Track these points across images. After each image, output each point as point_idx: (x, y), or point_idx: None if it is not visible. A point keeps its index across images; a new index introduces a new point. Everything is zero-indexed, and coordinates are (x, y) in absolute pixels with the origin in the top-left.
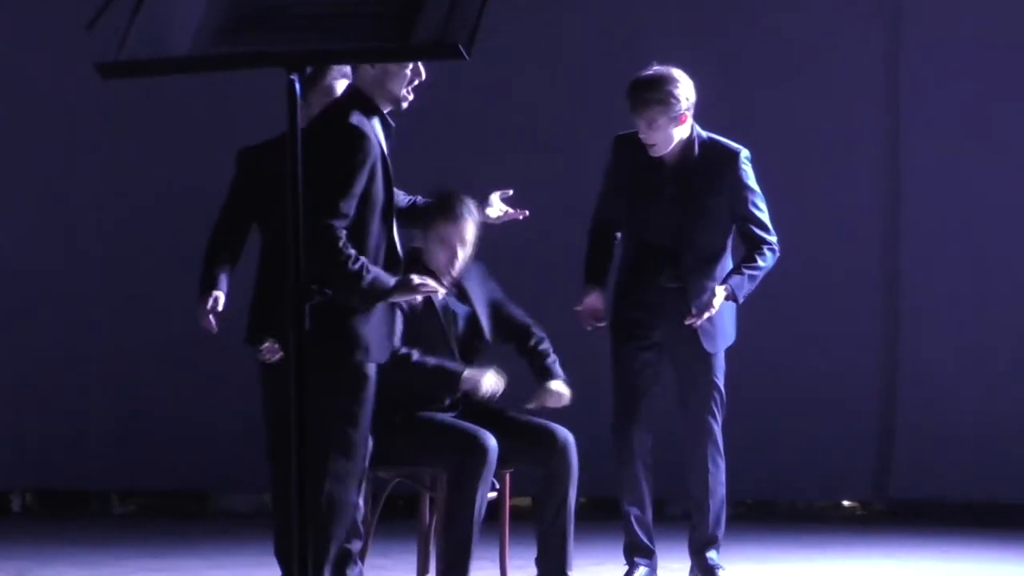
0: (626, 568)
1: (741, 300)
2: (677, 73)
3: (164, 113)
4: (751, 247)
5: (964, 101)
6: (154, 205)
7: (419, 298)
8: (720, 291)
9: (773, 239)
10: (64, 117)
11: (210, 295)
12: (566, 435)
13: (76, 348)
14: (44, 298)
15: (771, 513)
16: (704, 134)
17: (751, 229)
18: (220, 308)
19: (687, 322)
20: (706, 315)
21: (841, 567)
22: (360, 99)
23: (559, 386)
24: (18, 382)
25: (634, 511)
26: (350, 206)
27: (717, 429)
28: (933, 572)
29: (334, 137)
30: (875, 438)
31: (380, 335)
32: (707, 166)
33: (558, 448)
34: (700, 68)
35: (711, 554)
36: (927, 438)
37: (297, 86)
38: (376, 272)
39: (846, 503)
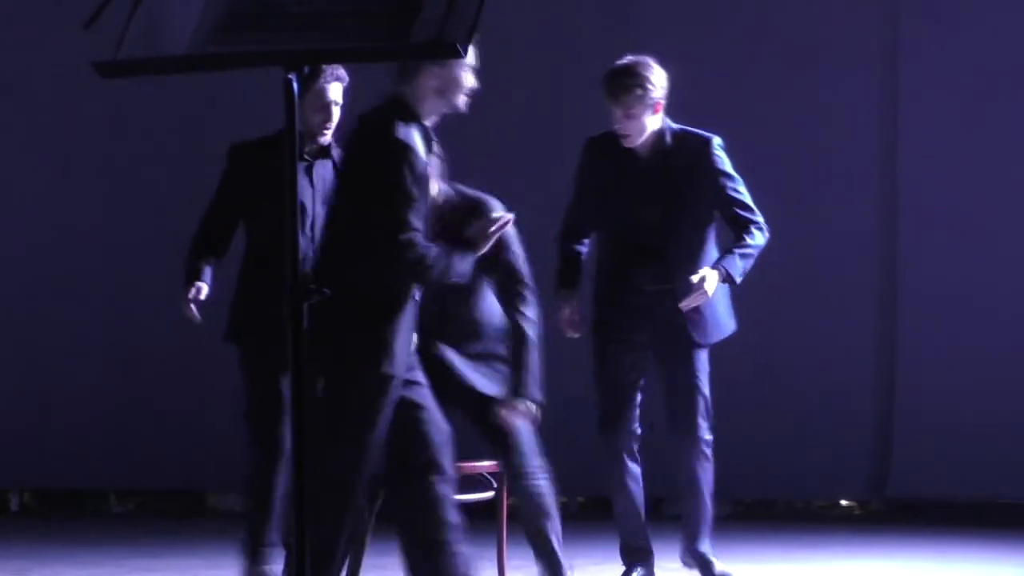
0: (623, 569)
1: (738, 279)
2: (651, 61)
3: (165, 113)
4: (739, 230)
5: (963, 99)
6: (153, 205)
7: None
8: (712, 273)
9: (760, 218)
10: (65, 118)
11: (193, 285)
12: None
13: (75, 347)
14: (43, 298)
15: (770, 512)
16: (675, 125)
17: (736, 212)
18: (203, 297)
19: (681, 304)
20: (700, 297)
21: (839, 566)
22: (402, 110)
23: (522, 404)
24: (17, 381)
25: (626, 516)
26: (419, 216)
27: (702, 432)
28: (931, 571)
29: (385, 151)
30: (873, 438)
31: (405, 349)
32: (681, 157)
33: (518, 485)
34: (699, 68)
35: (704, 548)
36: (925, 437)
37: (295, 85)
38: (451, 253)
39: (844, 502)
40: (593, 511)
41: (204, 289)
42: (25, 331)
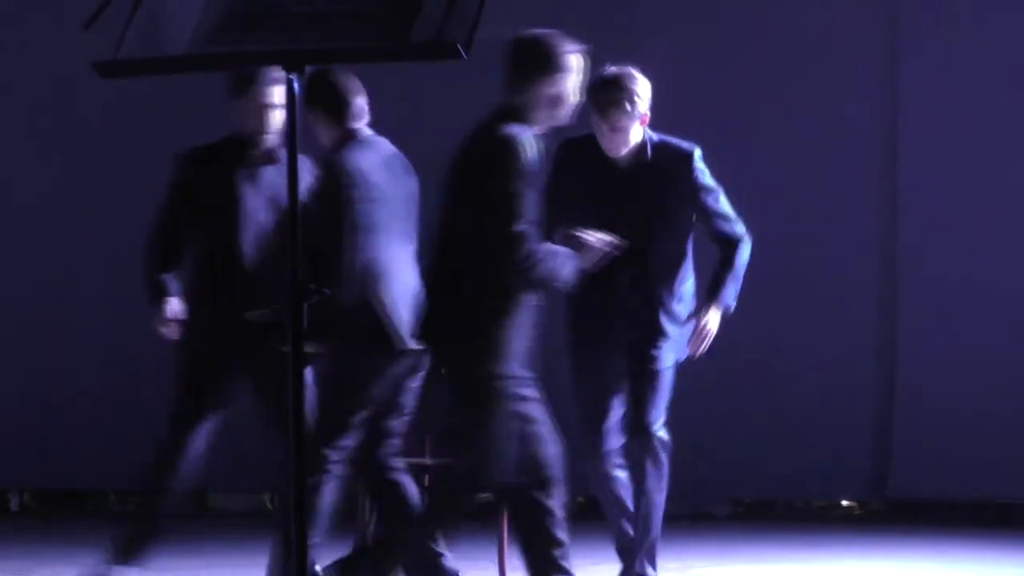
0: (621, 567)
1: (733, 306)
2: (636, 72)
3: (165, 113)
4: (724, 246)
5: (963, 99)
6: (153, 205)
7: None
8: (714, 314)
9: (741, 229)
10: (65, 118)
11: (166, 301)
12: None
13: (75, 347)
14: (43, 298)
15: (770, 512)
16: (655, 136)
17: (718, 225)
18: (180, 315)
19: (691, 353)
20: (707, 338)
21: (839, 567)
22: (514, 116)
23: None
24: (17, 381)
25: (615, 517)
26: (530, 211)
27: (658, 430)
28: (931, 571)
29: (494, 148)
30: (873, 438)
31: (519, 351)
32: (661, 169)
33: None
34: (700, 68)
35: (644, 570)
36: (925, 437)
37: (296, 86)
38: (559, 255)
39: (844, 502)
40: (593, 511)
41: (178, 305)
42: (25, 331)
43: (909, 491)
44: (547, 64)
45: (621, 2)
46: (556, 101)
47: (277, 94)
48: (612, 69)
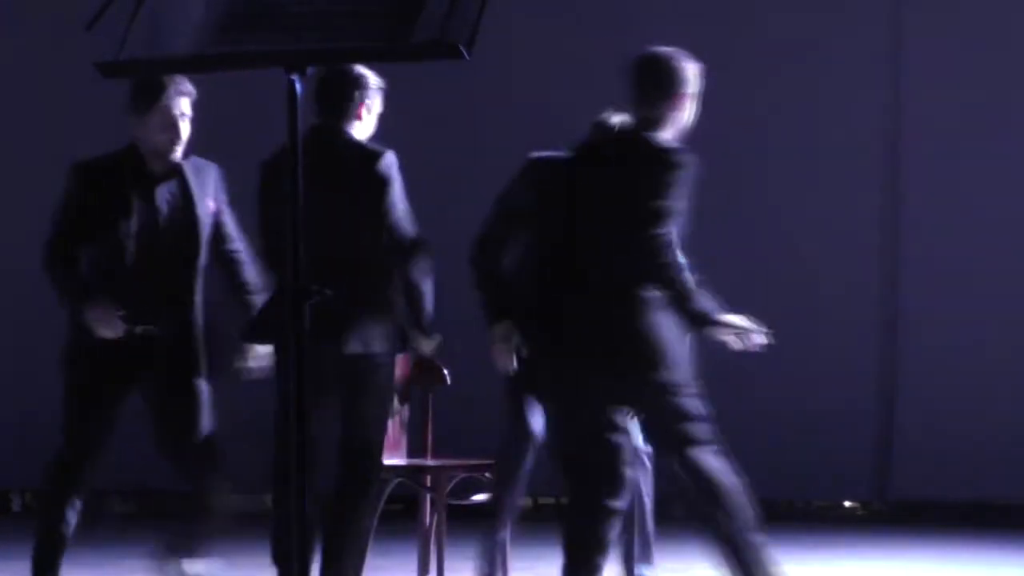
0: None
1: None
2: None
3: None
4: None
5: (966, 101)
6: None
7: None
8: None
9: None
10: (65, 118)
11: (98, 300)
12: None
13: None
14: (43, 298)
15: (771, 513)
16: None
17: None
18: (119, 309)
19: None
20: None
21: (840, 567)
22: (656, 129)
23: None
24: (18, 381)
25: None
26: (678, 226)
27: (637, 441)
28: (932, 572)
29: (660, 158)
30: (875, 439)
31: (683, 355)
32: None
33: None
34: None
35: (643, 570)
36: (926, 439)
37: (298, 86)
38: (704, 297)
39: (846, 503)
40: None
41: (110, 301)
42: (26, 331)
43: (911, 492)
44: (672, 82)
45: (621, 2)
46: (680, 117)
47: (184, 105)
48: (614, 118)
